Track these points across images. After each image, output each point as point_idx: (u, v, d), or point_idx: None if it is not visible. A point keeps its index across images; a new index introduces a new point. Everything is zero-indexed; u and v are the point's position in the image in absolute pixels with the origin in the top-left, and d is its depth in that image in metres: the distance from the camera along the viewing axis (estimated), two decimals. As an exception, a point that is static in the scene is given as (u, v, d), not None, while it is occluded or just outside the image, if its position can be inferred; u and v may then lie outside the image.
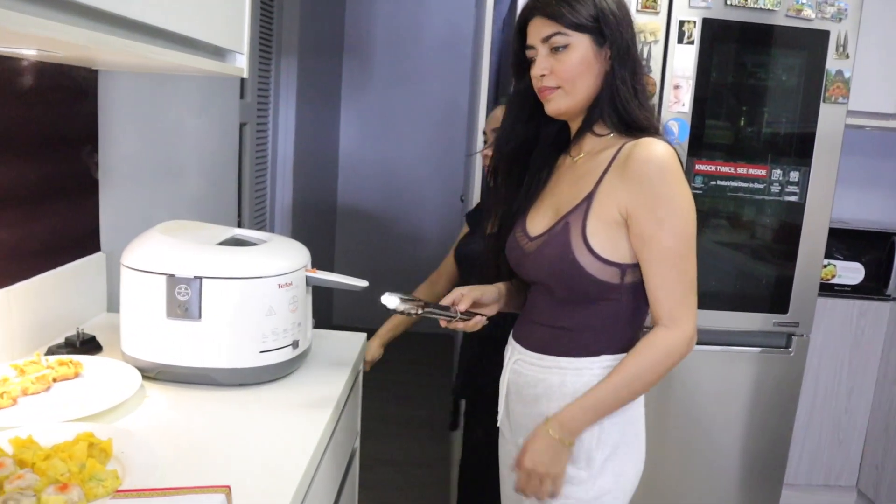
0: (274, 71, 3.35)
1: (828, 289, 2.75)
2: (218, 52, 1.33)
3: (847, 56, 2.16)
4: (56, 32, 0.77)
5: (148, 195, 1.92)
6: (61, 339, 1.43)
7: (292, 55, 3.46)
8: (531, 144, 1.38)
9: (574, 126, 1.31)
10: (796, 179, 2.20)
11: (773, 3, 2.10)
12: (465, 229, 2.04)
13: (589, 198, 1.24)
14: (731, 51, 2.19)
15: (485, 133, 1.86)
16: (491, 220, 1.45)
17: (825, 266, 2.71)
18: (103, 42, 0.88)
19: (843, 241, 2.75)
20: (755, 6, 2.09)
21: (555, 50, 1.23)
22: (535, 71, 1.26)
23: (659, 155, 1.18)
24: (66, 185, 1.56)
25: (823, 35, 2.14)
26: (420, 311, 1.24)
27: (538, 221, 1.32)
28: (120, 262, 1.31)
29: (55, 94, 1.49)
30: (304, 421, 1.19)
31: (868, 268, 2.77)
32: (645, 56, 2.07)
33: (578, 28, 1.22)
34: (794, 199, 2.21)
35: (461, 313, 1.30)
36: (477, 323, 1.33)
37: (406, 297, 1.23)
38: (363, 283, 1.38)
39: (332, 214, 4.80)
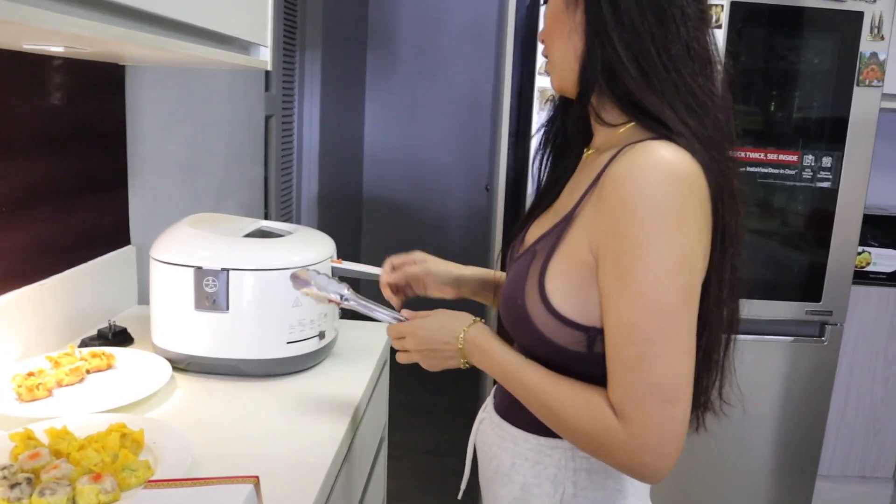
0: (298, 63, 3.36)
1: (862, 276, 2.70)
2: (242, 46, 1.33)
3: (882, 38, 2.11)
4: (84, 29, 0.78)
5: (175, 188, 1.93)
6: (94, 332, 1.45)
7: (316, 47, 3.47)
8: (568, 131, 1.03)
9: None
10: (829, 165, 2.16)
11: (805, -16, 2.06)
12: None
13: (565, 221, 0.89)
14: (761, 34, 2.15)
15: None
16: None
17: (860, 253, 2.66)
18: (130, 37, 0.89)
19: (879, 228, 2.70)
20: (786, -13, 2.05)
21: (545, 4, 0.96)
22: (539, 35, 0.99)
23: (645, 168, 0.78)
24: (96, 180, 1.58)
25: (857, 16, 2.09)
26: (340, 300, 1.06)
27: (534, 231, 0.98)
28: (149, 254, 1.32)
29: (84, 90, 1.51)
30: (332, 411, 1.20)
31: (904, 254, 2.72)
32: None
33: None
34: (826, 185, 2.17)
35: (392, 313, 1.06)
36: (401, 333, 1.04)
37: (316, 279, 1.06)
38: (388, 273, 1.38)
39: (358, 205, 4.82)
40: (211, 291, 1.24)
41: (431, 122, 4.78)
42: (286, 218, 3.26)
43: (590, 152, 0.95)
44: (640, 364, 0.78)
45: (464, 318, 0.99)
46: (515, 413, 0.97)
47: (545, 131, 1.07)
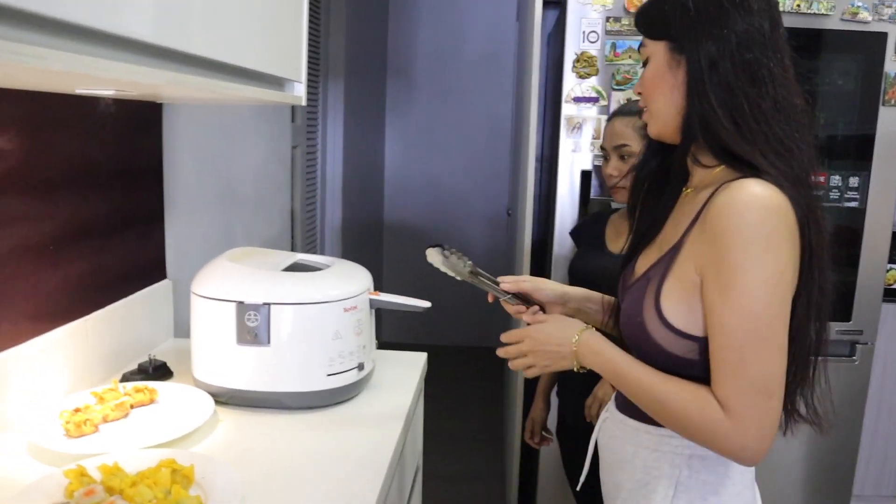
0: (322, 93, 3.41)
1: (892, 294, 2.68)
2: (277, 82, 1.36)
3: (906, 58, 2.12)
4: (139, 75, 0.81)
5: (208, 222, 1.97)
6: (134, 366, 1.48)
7: (339, 77, 3.52)
8: (666, 171, 1.17)
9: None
10: (856, 185, 2.16)
11: (827, 7, 2.07)
12: (576, 249, 1.96)
13: (674, 250, 1.03)
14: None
15: (604, 149, 1.75)
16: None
17: (889, 271, 2.64)
18: (182, 81, 0.91)
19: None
20: (808, 11, 2.07)
21: (644, 65, 1.09)
22: (634, 88, 1.14)
23: (741, 203, 0.92)
24: (134, 216, 1.61)
25: (881, 37, 2.10)
26: (468, 273, 1.19)
27: (643, 263, 1.13)
28: (190, 289, 1.34)
29: (123, 129, 1.55)
30: (374, 441, 1.21)
31: (933, 272, 2.69)
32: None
33: (652, 34, 1.05)
34: (854, 204, 2.16)
35: (511, 295, 1.23)
36: (520, 311, 1.22)
37: (453, 253, 1.19)
38: (425, 304, 1.40)
39: (380, 232, 4.85)
40: (252, 326, 1.26)
41: (450, 146, 4.82)
42: (311, 248, 3.29)
43: (689, 191, 1.09)
44: (739, 364, 0.92)
45: (577, 324, 1.11)
46: (636, 408, 1.07)
47: (639, 173, 1.21)
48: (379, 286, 1.46)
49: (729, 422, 0.93)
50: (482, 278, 1.23)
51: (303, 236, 3.13)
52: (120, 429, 1.21)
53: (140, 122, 1.62)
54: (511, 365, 1.15)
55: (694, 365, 0.99)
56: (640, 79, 1.10)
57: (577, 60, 2.00)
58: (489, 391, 4.22)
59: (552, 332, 1.12)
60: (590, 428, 1.67)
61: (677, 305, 1.00)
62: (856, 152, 2.17)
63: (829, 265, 1.01)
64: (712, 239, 0.94)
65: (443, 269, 1.23)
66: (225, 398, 1.32)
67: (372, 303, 1.38)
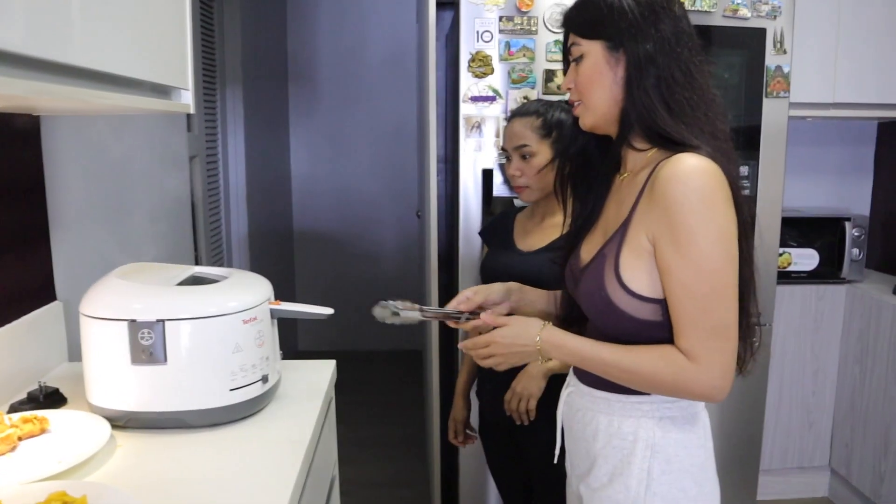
0: (220, 101, 3.32)
1: (785, 276, 2.81)
2: (162, 90, 1.31)
3: (784, 51, 2.22)
4: (9, 88, 0.76)
5: (101, 239, 1.88)
6: (23, 395, 1.39)
7: (237, 84, 3.43)
8: (595, 161, 1.29)
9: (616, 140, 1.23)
10: (746, 173, 2.25)
11: (709, 4, 2.16)
12: (485, 248, 1.97)
13: (624, 226, 1.14)
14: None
15: (504, 150, 1.76)
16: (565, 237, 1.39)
17: (781, 254, 2.77)
18: (44, 91, 0.86)
19: (796, 229, 2.83)
20: (692, 8, 2.14)
21: (575, 62, 1.18)
22: (562, 85, 1.24)
23: (683, 172, 1.04)
24: (15, 236, 1.52)
25: (760, 32, 2.20)
26: (422, 316, 1.26)
27: (588, 248, 1.25)
28: (79, 310, 1.28)
29: (-3, 144, 1.45)
30: (282, 455, 1.17)
31: (821, 253, 2.85)
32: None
33: (588, 34, 1.15)
34: (746, 192, 2.26)
35: (468, 314, 1.32)
36: (477, 326, 1.30)
37: (400, 307, 1.25)
38: (328, 311, 1.37)
39: (290, 240, 4.76)
40: (147, 344, 1.21)
41: (357, 151, 4.79)
42: (217, 260, 3.19)
43: (625, 175, 1.21)
44: (701, 314, 1.05)
45: (536, 323, 1.21)
46: (602, 379, 1.18)
47: (567, 165, 1.34)
48: (291, 295, 1.43)
49: (696, 367, 1.06)
50: (434, 314, 1.31)
51: (207, 249, 3.04)
52: (7, 464, 1.13)
53: (14, 135, 1.52)
54: (478, 361, 1.25)
55: (659, 326, 1.11)
56: (570, 76, 1.19)
57: (473, 60, 2.01)
58: (413, 394, 4.20)
59: (515, 334, 1.21)
60: (510, 422, 1.68)
61: (637, 273, 1.11)
62: (745, 143, 2.26)
63: (753, 235, 1.15)
64: (662, 208, 1.06)
65: (397, 323, 1.29)
66: (123, 421, 1.25)
67: (273, 313, 1.34)
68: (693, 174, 1.04)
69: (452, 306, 1.34)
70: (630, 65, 1.12)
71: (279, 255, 4.44)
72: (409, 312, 1.27)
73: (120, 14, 1.04)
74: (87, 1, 0.92)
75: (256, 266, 3.54)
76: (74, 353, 1.66)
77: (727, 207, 1.06)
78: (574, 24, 1.18)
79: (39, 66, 0.83)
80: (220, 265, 3.22)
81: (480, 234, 2.01)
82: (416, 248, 4.72)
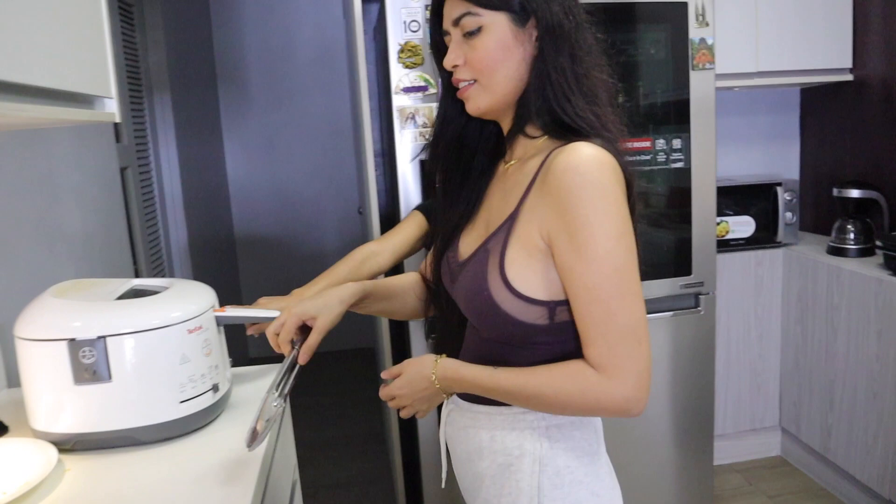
0: (148, 109, 3.23)
1: (724, 245, 2.88)
2: (85, 100, 1.26)
3: (707, 24, 2.27)
4: None
5: (32, 258, 1.81)
6: (-40, 427, 1.33)
7: (164, 90, 3.35)
8: (472, 146, 1.17)
9: (504, 126, 1.12)
10: (679, 146, 2.30)
11: (631, -19, 2.18)
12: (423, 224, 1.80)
13: (511, 219, 1.03)
14: (600, 31, 2.25)
15: (435, 42, 1.52)
16: (434, 234, 1.25)
17: (718, 223, 2.84)
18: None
19: (731, 197, 2.90)
20: (615, -15, 2.17)
21: (468, 35, 1.04)
22: (447, 61, 1.08)
23: (581, 163, 0.94)
24: (-61, 262, 1.45)
25: (682, 7, 2.24)
26: (282, 402, 1.09)
27: (468, 241, 1.14)
28: (13, 333, 1.23)
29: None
30: (238, 464, 1.15)
31: (757, 219, 2.93)
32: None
33: (491, 5, 1.02)
34: (680, 164, 2.30)
35: (297, 344, 1.19)
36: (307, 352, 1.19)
37: (254, 423, 1.04)
38: (274, 314, 1.35)
39: (232, 246, 4.68)
40: (89, 363, 1.17)
41: (294, 150, 4.73)
42: (158, 272, 3.11)
43: (511, 163, 1.11)
44: (607, 317, 0.94)
45: (427, 362, 1.11)
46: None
47: (447, 150, 1.19)
48: (237, 301, 1.40)
49: (607, 380, 0.94)
50: (283, 380, 1.14)
51: (147, 261, 2.96)
52: (-53, 499, 1.08)
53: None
54: (402, 415, 1.16)
55: (543, 330, 1.01)
56: (458, 50, 1.06)
57: (402, 51, 2.00)
58: (369, 392, 4.18)
59: (411, 380, 1.11)
60: None
61: (524, 273, 1.00)
62: (675, 116, 2.30)
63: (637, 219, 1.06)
64: (557, 201, 0.95)
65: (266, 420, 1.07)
66: (70, 444, 1.21)
67: (218, 320, 1.31)
68: (591, 165, 0.94)
69: (278, 345, 1.20)
70: (543, 38, 1.01)
71: (222, 261, 4.36)
72: (269, 408, 1.07)
73: (31, 21, 1.00)
74: None
75: (199, 274, 3.47)
76: (13, 379, 1.60)
77: (623, 199, 0.97)
78: None
79: None
80: (162, 276, 3.14)
81: (419, 208, 1.82)
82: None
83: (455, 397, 1.18)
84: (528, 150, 1.07)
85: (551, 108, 1.02)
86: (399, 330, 2.39)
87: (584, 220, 0.93)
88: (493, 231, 1.05)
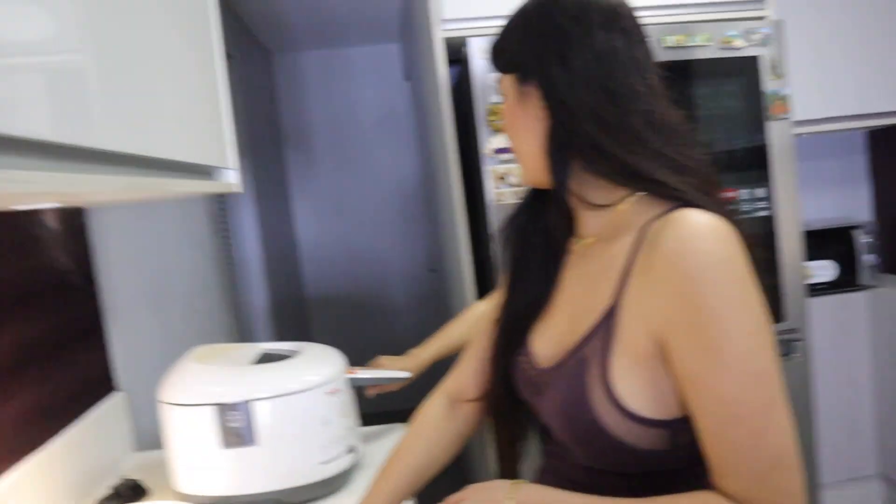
0: (228, 177, 3.36)
1: (807, 290, 2.85)
2: (207, 172, 1.32)
3: (780, 76, 2.30)
4: (95, 184, 0.77)
5: (149, 326, 1.89)
6: (104, 491, 1.38)
7: (244, 157, 3.48)
8: (545, 222, 0.99)
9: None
10: (763, 195, 2.31)
11: (704, 39, 2.24)
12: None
13: (609, 317, 0.83)
14: (677, 87, 2.30)
15: None
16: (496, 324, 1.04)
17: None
18: (134, 185, 0.88)
19: (810, 242, 2.88)
20: (689, 44, 2.22)
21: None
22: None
23: (697, 238, 0.75)
24: (74, 331, 1.52)
25: (755, 60, 2.28)
26: None
27: (548, 341, 0.94)
28: (159, 399, 1.28)
29: (49, 240, 1.47)
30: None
31: (838, 263, 2.90)
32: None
33: (502, 67, 0.94)
34: (765, 213, 2.31)
35: None
36: None
37: None
38: (405, 375, 1.38)
39: (303, 307, 4.76)
40: (235, 426, 1.21)
41: (361, 210, 4.82)
42: (245, 336, 3.19)
43: (587, 241, 0.93)
44: (753, 440, 0.74)
45: (501, 486, 0.86)
46: None
47: (517, 227, 1.02)
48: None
49: None
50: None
51: (237, 324, 3.04)
52: (110, 562, 1.13)
53: (65, 231, 1.55)
54: None
55: (663, 456, 0.82)
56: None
57: (490, 113, 2.07)
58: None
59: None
60: None
61: (636, 387, 0.80)
62: (756, 165, 2.32)
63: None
64: (672, 291, 0.76)
65: None
66: (214, 507, 1.25)
67: (352, 382, 1.35)
68: (709, 239, 0.75)
69: None
70: (544, 93, 0.87)
71: (296, 322, 4.44)
72: None
73: (159, 98, 1.02)
74: (124, 88, 0.90)
75: (279, 336, 3.54)
76: (140, 443, 1.66)
77: (752, 279, 0.76)
78: (491, 58, 0.95)
79: (93, 157, 0.81)
80: (249, 340, 3.21)
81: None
82: (429, 303, 4.73)
83: None
84: (610, 221, 0.89)
85: (597, 165, 0.85)
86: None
87: (712, 313, 0.73)
88: (586, 333, 0.86)
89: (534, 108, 0.88)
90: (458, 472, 3.89)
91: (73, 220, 1.58)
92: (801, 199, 3.21)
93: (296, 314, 4.47)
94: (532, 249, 0.99)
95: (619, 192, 0.87)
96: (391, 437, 1.55)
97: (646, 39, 0.91)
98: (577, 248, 0.95)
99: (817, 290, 2.88)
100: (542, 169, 0.90)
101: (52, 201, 0.93)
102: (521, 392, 0.98)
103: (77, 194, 0.85)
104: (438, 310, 4.35)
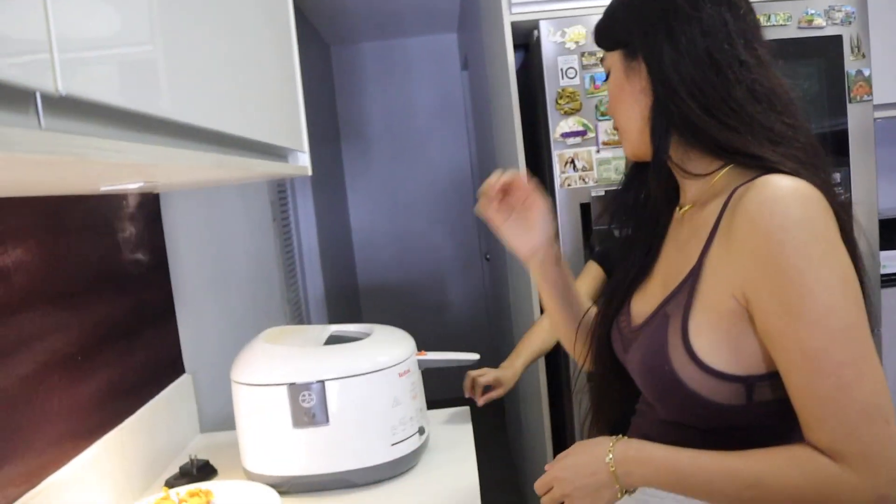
0: (287, 165, 3.38)
1: (887, 279, 2.75)
2: (281, 154, 1.33)
3: (863, 56, 2.20)
4: (185, 159, 0.77)
5: (213, 310, 1.90)
6: (173, 470, 1.40)
7: (302, 147, 3.50)
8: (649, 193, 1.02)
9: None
10: (839, 180, 2.22)
11: (784, 17, 2.15)
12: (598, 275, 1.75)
13: (693, 275, 0.87)
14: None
15: None
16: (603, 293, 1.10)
17: (876, 260, 2.71)
18: (224, 162, 0.88)
19: (883, 232, 2.76)
20: (768, 24, 2.14)
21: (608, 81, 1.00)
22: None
23: (779, 199, 0.77)
24: (148, 313, 1.54)
25: (837, 40, 2.18)
26: None
27: (642, 303, 0.98)
28: (231, 378, 1.29)
29: (129, 226, 1.49)
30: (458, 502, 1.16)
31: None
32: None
33: (608, 45, 0.97)
34: (842, 198, 2.22)
35: None
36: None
37: None
38: (474, 357, 1.37)
39: (356, 296, 4.79)
40: (308, 406, 1.21)
41: (414, 201, 4.82)
42: (298, 320, 3.21)
43: (687, 208, 0.95)
44: (840, 392, 0.75)
45: (603, 442, 0.89)
46: None
47: (621, 202, 1.06)
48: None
49: (849, 472, 0.74)
50: None
51: (292, 309, 3.06)
52: (185, 538, 1.13)
53: (144, 215, 1.56)
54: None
55: (739, 412, 0.84)
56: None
57: (560, 97, 2.02)
58: (500, 437, 4.15)
59: (579, 466, 0.89)
60: None
61: (714, 342, 0.83)
62: (834, 149, 2.23)
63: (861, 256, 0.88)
64: (753, 251, 0.78)
65: None
66: (285, 487, 1.25)
67: (421, 363, 1.34)
68: (791, 200, 0.77)
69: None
70: (650, 68, 0.90)
71: (348, 310, 4.47)
72: None
73: (247, 83, 1.04)
74: (218, 73, 0.93)
75: (335, 322, 3.56)
76: (204, 424, 1.68)
77: (839, 240, 0.79)
78: (597, 37, 1.00)
79: (193, 134, 0.83)
80: (300, 324, 3.24)
81: (596, 257, 1.77)
82: (483, 290, 4.71)
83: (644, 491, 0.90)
84: (704, 190, 0.92)
85: (689, 137, 0.88)
86: (552, 367, 2.36)
87: (793, 270, 0.75)
88: (671, 291, 0.89)
89: (640, 82, 0.91)
90: (507, 456, 3.88)
91: (150, 207, 1.60)
92: (885, 187, 3.11)
93: (348, 302, 4.50)
94: (638, 225, 1.03)
95: (716, 162, 0.89)
96: (459, 421, 1.54)
97: (752, 9, 0.92)
98: (677, 215, 0.99)
99: (886, 280, 2.77)
100: (646, 142, 0.92)
101: (139, 178, 0.93)
102: (615, 348, 1.02)
103: (167, 170, 0.86)
104: (491, 297, 4.32)
